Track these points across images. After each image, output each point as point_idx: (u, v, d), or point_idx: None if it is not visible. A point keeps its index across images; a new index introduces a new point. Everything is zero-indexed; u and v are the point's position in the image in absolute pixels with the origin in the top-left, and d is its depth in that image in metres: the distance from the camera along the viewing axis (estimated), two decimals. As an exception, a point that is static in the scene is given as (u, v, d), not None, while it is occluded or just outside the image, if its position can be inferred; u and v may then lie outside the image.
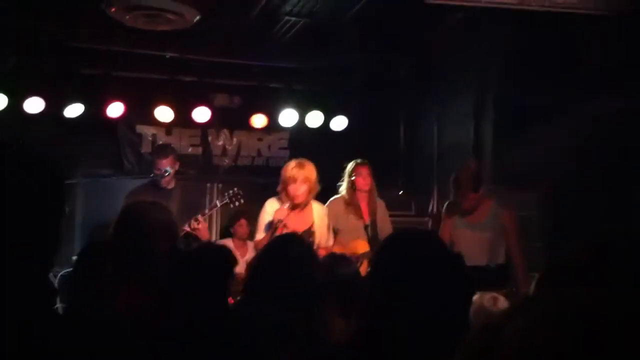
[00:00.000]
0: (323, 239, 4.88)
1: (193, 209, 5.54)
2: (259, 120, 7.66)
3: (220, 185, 8.24)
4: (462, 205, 5.12)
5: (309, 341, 2.27)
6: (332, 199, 5.67)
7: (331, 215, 5.47)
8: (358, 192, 5.56)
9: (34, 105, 6.80)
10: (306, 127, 7.69)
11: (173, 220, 2.61)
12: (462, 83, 6.78)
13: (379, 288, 1.86)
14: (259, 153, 8.18)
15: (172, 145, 6.88)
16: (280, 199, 4.90)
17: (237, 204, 5.81)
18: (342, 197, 5.66)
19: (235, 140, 8.22)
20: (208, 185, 8.11)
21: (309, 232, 4.80)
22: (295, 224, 4.74)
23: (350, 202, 5.58)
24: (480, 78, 6.55)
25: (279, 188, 4.91)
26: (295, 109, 7.55)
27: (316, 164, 5.05)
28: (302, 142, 7.73)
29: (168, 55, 6.94)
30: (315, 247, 4.72)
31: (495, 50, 6.12)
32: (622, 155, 4.93)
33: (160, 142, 7.66)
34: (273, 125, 7.75)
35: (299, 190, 4.72)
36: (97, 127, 7.24)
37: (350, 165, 5.69)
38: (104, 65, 7.06)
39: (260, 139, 8.25)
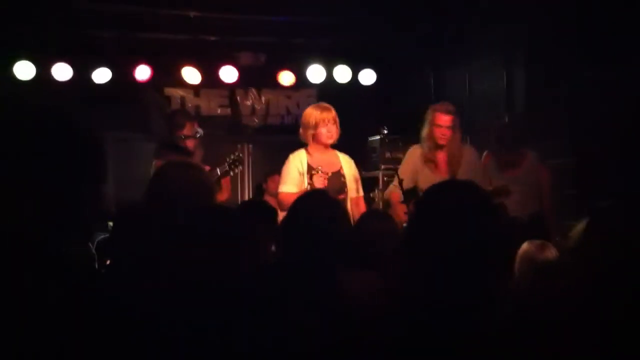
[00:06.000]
0: (352, 187, 4.79)
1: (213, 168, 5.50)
2: (286, 78, 7.59)
3: (250, 146, 8.23)
4: (503, 159, 5.10)
5: (328, 304, 2.23)
6: (412, 147, 5.17)
7: (408, 165, 5.07)
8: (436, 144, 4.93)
9: (61, 72, 6.84)
10: (334, 82, 7.60)
11: (208, 179, 2.59)
12: (494, 35, 6.63)
13: (413, 239, 1.80)
14: (288, 111, 8.13)
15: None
16: (306, 149, 4.76)
17: (236, 170, 5.56)
18: (420, 146, 5.07)
19: (263, 99, 8.17)
20: (239, 146, 8.10)
21: (339, 174, 4.73)
22: (325, 166, 4.67)
23: (427, 153, 4.99)
24: (512, 31, 6.39)
25: (304, 135, 4.75)
26: (322, 65, 7.46)
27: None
28: (331, 97, 7.61)
29: (192, 14, 6.87)
30: (345, 190, 4.68)
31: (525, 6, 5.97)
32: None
33: (188, 105, 7.67)
34: (301, 82, 7.68)
35: (333, 130, 4.68)
36: (125, 91, 7.25)
37: (429, 112, 4.99)
38: (127, 28, 7.02)
39: (288, 97, 8.18)
